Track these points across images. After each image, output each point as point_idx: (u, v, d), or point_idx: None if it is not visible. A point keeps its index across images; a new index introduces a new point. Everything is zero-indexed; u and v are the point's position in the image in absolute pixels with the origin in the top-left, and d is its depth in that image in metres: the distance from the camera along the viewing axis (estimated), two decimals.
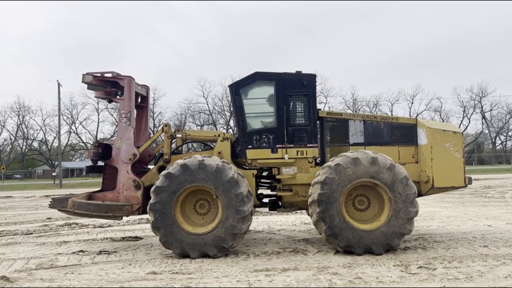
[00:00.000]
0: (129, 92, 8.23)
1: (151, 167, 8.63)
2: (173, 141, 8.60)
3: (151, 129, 9.19)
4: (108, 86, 8.32)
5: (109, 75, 8.25)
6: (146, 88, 9.30)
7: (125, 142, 8.14)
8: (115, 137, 8.49)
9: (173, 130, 8.42)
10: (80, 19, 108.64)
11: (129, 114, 8.21)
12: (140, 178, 8.06)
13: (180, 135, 8.47)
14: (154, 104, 64.01)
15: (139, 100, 9.15)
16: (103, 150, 8.40)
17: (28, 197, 26.58)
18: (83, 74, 8.15)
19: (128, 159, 8.06)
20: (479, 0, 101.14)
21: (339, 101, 70.04)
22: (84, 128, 70.35)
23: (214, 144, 8.45)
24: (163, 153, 8.31)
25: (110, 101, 8.75)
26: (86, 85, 8.32)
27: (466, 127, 69.19)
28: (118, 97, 8.36)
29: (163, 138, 8.42)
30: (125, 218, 13.14)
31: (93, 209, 7.91)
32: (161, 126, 8.53)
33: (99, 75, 8.21)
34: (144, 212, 7.92)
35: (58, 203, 8.31)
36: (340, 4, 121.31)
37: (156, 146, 9.31)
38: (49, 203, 8.47)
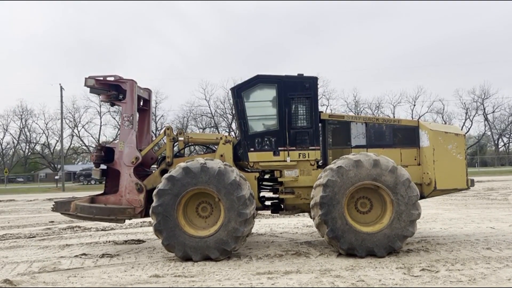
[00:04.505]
0: (131, 96, 8.27)
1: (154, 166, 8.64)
2: (175, 144, 8.62)
3: (153, 132, 9.21)
4: (110, 90, 8.35)
5: (112, 78, 8.28)
6: (148, 91, 9.33)
7: (127, 145, 8.17)
8: (117, 140, 8.52)
9: (175, 133, 8.45)
10: (82, 20, 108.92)
11: (131, 117, 8.23)
12: (143, 181, 8.08)
13: (182, 138, 8.49)
14: (156, 107, 64.08)
15: (141, 103, 9.18)
16: (106, 153, 8.43)
17: (30, 200, 26.64)
18: (85, 78, 8.18)
19: (131, 162, 8.08)
20: (481, 0, 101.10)
21: (341, 104, 69.91)
22: (86, 131, 70.40)
23: (216, 146, 8.47)
24: (165, 156, 8.33)
25: (112, 105, 8.79)
26: (88, 89, 8.36)
27: (469, 129, 68.99)
28: (120, 100, 8.40)
29: (165, 141, 8.45)
30: (127, 221, 13.15)
31: (96, 212, 7.93)
32: (163, 129, 8.56)
33: (101, 78, 8.24)
34: (147, 215, 7.94)
35: (61, 206, 8.33)
36: (340, 5, 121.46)
37: (159, 149, 9.34)
38: (52, 206, 8.49)
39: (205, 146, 9.22)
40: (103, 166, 8.66)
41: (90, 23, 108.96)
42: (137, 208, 7.95)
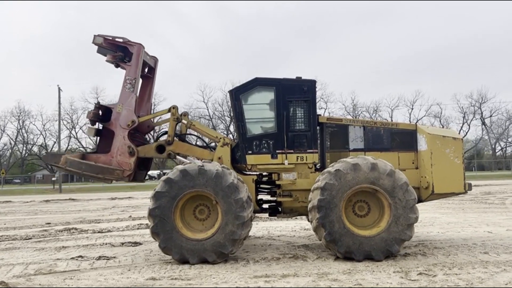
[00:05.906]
0: (137, 59, 8.25)
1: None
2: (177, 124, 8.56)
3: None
4: (117, 51, 8.34)
5: (120, 40, 8.31)
6: (155, 59, 9.28)
7: (125, 107, 8.15)
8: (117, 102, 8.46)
9: (179, 114, 8.40)
10: (81, 21, 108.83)
11: (133, 81, 8.20)
12: (137, 147, 8.07)
13: (185, 122, 8.46)
14: (155, 109, 64.14)
15: (146, 70, 9.12)
16: (103, 112, 8.39)
17: (27, 202, 26.54)
18: (95, 35, 8.23)
19: (127, 125, 8.08)
20: (480, 1, 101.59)
21: (339, 107, 70.36)
22: (84, 133, 70.24)
23: (212, 142, 8.46)
24: (167, 133, 8.30)
25: (117, 66, 8.66)
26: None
27: (466, 133, 69.36)
28: (125, 63, 8.35)
29: (162, 118, 8.41)
30: (124, 223, 13.15)
31: (85, 169, 7.95)
32: (169, 107, 8.46)
33: (110, 38, 8.27)
34: (134, 179, 8.04)
35: (51, 158, 8.37)
36: (339, 8, 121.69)
37: (156, 121, 9.21)
38: (43, 155, 8.53)
39: (202, 140, 9.18)
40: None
41: (90, 24, 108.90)
42: (126, 171, 7.96)
